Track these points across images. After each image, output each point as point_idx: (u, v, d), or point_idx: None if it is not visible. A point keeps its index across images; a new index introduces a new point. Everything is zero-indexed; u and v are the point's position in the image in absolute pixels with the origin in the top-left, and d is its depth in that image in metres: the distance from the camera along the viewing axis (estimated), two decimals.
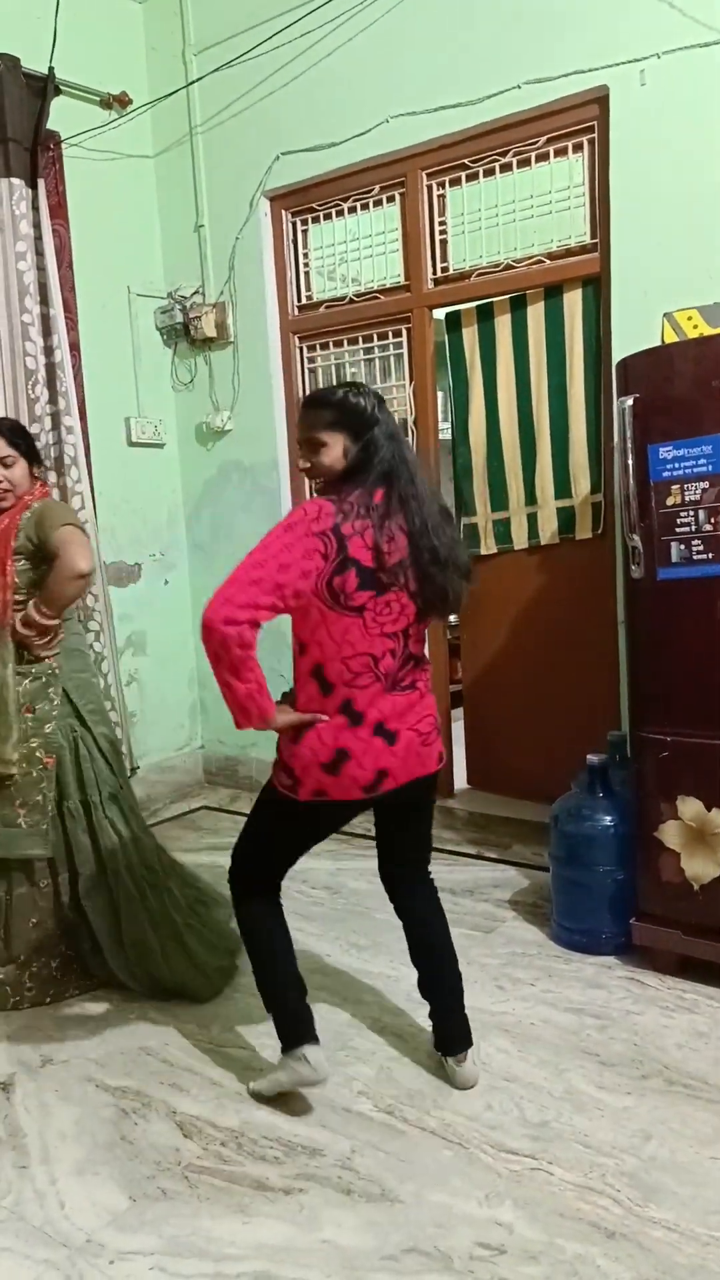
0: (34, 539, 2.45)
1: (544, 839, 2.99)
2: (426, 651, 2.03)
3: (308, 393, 1.88)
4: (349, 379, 3.83)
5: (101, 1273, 1.58)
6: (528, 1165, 1.79)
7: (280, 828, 2.01)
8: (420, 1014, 2.31)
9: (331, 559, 1.76)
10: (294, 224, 3.88)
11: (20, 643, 2.47)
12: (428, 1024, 2.20)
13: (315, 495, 1.92)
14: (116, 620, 3.99)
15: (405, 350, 3.67)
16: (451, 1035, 2.07)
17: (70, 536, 2.40)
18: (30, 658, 2.49)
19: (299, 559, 1.73)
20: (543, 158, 3.25)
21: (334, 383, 3.80)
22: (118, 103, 3.88)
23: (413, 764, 1.93)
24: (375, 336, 3.73)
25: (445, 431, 3.97)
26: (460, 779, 3.81)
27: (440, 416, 3.80)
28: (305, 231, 3.88)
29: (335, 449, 1.85)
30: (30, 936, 2.50)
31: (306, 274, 3.91)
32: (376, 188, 3.61)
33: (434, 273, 3.55)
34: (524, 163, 3.29)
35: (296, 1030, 1.98)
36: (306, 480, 2.24)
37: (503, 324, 3.45)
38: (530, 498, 3.50)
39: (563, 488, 3.42)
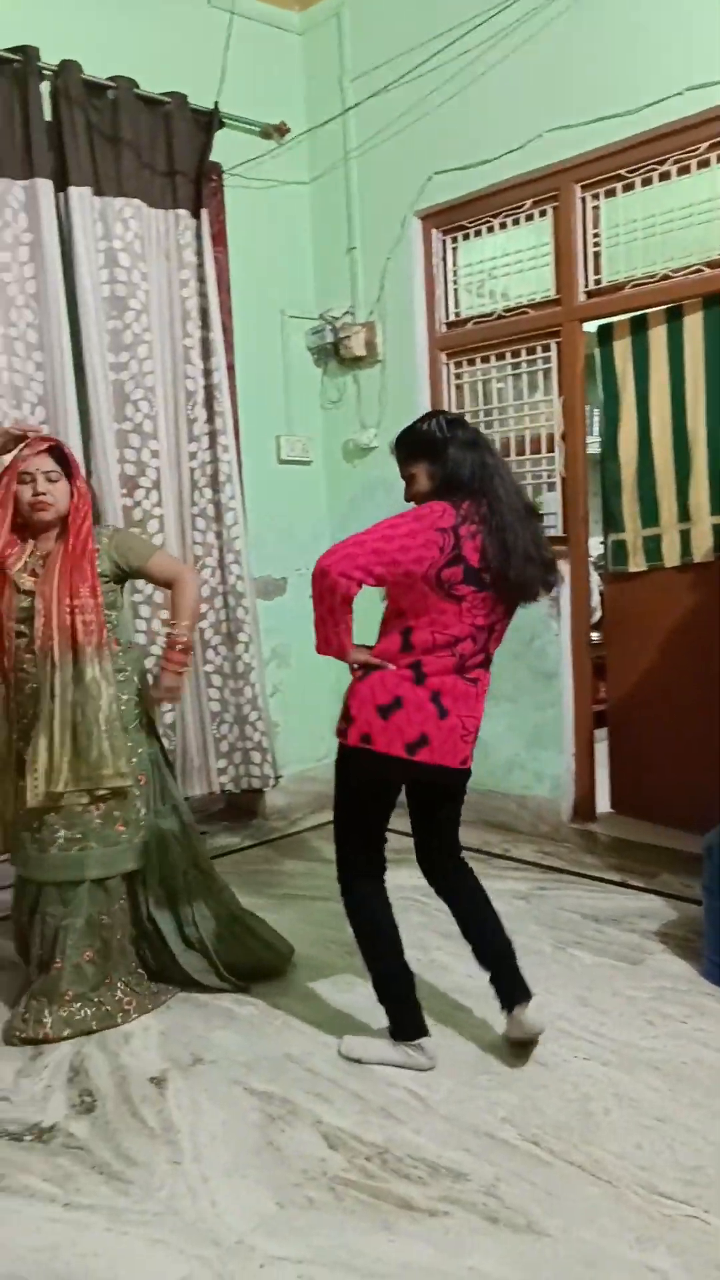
0: (123, 566, 2.54)
1: (694, 869, 2.88)
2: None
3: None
4: (495, 394, 3.83)
5: (251, 1275, 1.63)
6: (682, 1211, 1.73)
7: (346, 792, 2.22)
8: (567, 1042, 2.28)
9: (446, 554, 2.01)
10: (444, 242, 3.91)
11: (174, 679, 2.55)
12: (574, 1052, 2.16)
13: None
14: (263, 633, 4.11)
15: (554, 364, 3.63)
16: (513, 989, 2.23)
17: (172, 561, 2.67)
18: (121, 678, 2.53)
19: (419, 546, 1.99)
20: (703, 164, 3.16)
21: (469, 399, 3.81)
22: (277, 132, 4.01)
23: (448, 749, 2.12)
24: (524, 351, 3.70)
25: (593, 445, 3.91)
26: (603, 802, 3.72)
27: (588, 430, 3.74)
28: (455, 249, 3.90)
29: (421, 477, 2.14)
30: (127, 950, 2.59)
31: (455, 291, 3.93)
32: (528, 202, 3.59)
33: (586, 285, 3.50)
34: (683, 170, 3.21)
35: (416, 1021, 2.20)
36: None
37: (657, 336, 3.36)
38: (683, 514, 3.39)
39: (719, 504, 3.30)
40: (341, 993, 2.60)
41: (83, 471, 2.61)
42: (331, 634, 2.10)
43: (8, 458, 2.50)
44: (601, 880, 3.28)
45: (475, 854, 3.55)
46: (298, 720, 4.30)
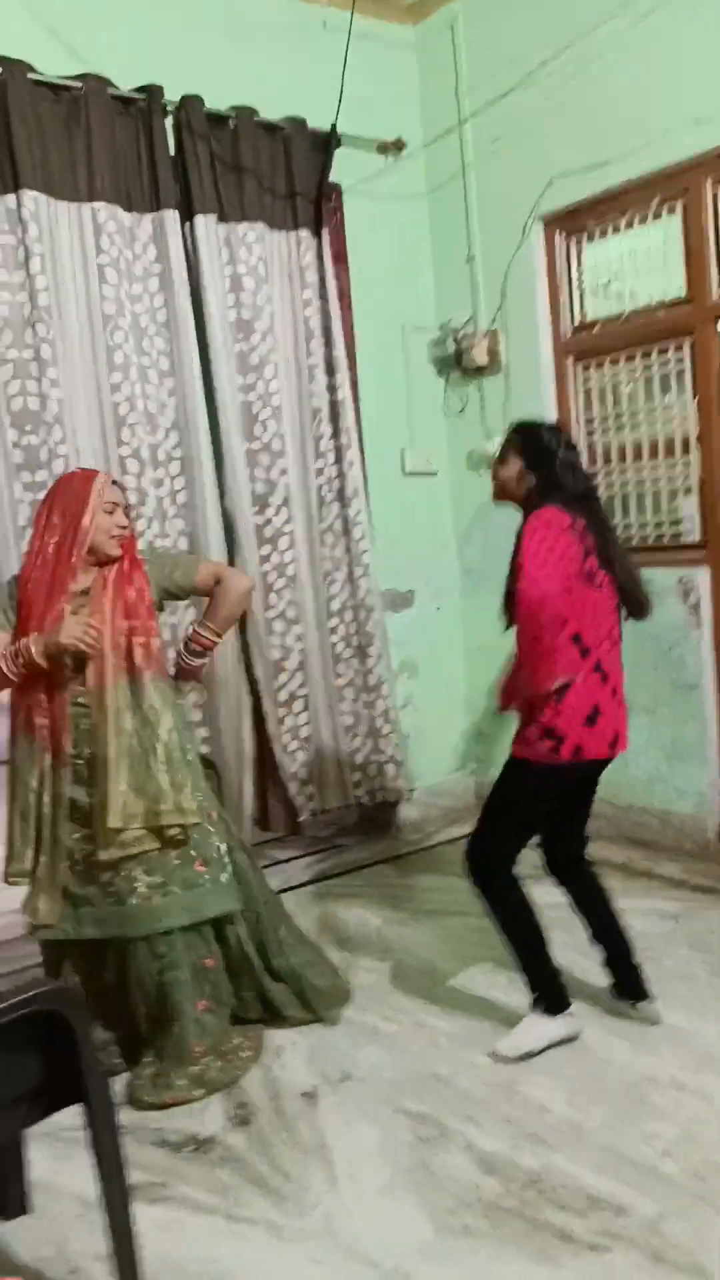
0: (170, 586, 2.46)
1: None
2: None
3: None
4: (625, 397, 3.74)
5: None
6: None
7: (534, 804, 2.36)
8: None
9: (579, 546, 2.18)
10: (567, 245, 3.84)
11: (191, 675, 2.53)
12: None
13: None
14: (391, 646, 4.13)
15: (687, 364, 3.51)
16: (639, 982, 2.45)
17: (215, 565, 2.60)
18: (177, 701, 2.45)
19: (565, 546, 2.15)
20: None
21: (597, 404, 3.74)
22: (394, 148, 4.03)
23: (625, 733, 2.38)
24: (655, 353, 3.60)
25: None
26: None
27: None
28: (579, 251, 3.82)
29: (512, 467, 2.31)
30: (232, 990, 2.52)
31: (580, 294, 3.85)
32: (656, 200, 3.48)
33: None
34: None
35: (564, 991, 2.38)
36: None
37: None
38: None
39: None
40: (484, 1011, 2.59)
41: None
42: (553, 661, 2.17)
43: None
44: None
45: (617, 870, 3.47)
46: (429, 733, 4.31)
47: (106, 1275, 1.69)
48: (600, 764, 2.36)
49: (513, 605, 2.22)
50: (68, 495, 2.35)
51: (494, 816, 2.38)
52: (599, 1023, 2.46)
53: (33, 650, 2.23)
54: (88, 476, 2.39)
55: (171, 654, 2.71)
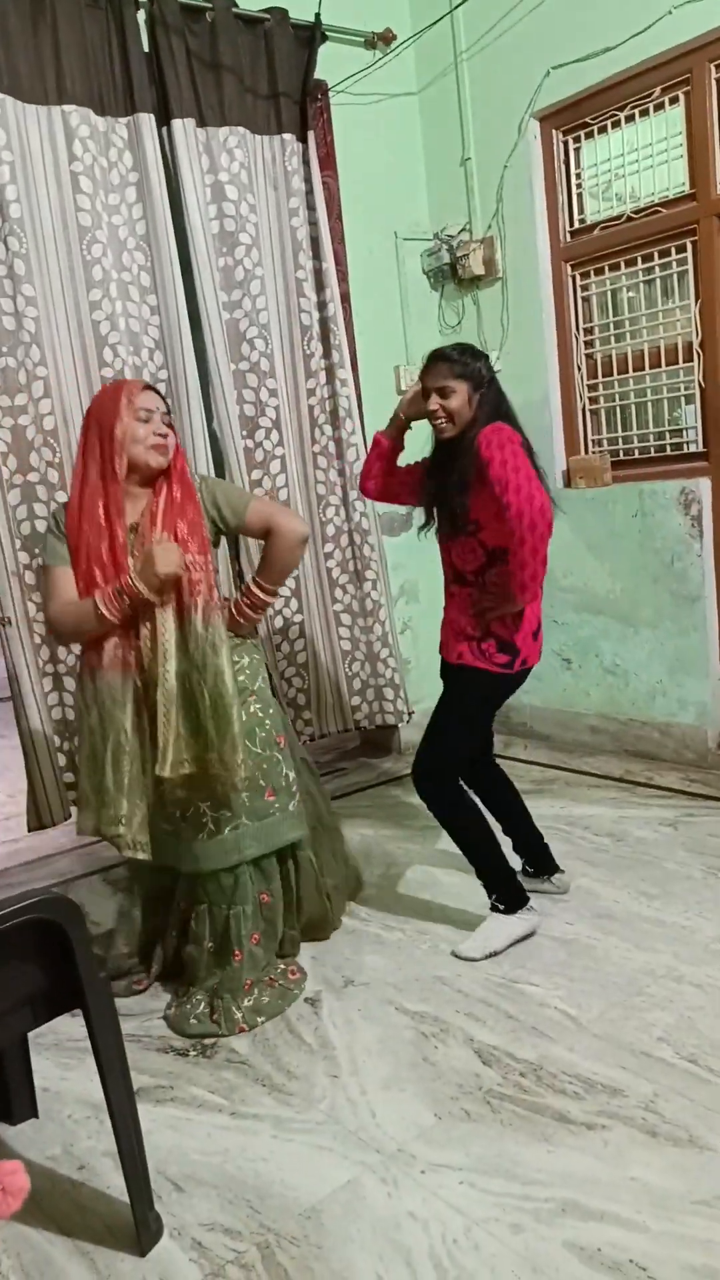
0: (221, 523, 2.28)
1: None
2: None
3: (434, 351, 2.35)
4: (625, 304, 3.63)
5: (414, 1180, 1.67)
6: None
7: (485, 710, 2.49)
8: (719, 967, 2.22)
9: (529, 460, 2.22)
10: (565, 143, 3.69)
11: (239, 628, 2.32)
12: None
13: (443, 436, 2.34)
14: (390, 570, 4.09)
15: (690, 266, 3.39)
16: (547, 858, 2.67)
17: (272, 506, 2.31)
18: (237, 638, 2.33)
19: (526, 462, 2.19)
20: None
21: (596, 313, 3.63)
22: (382, 41, 3.86)
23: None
24: (656, 255, 3.48)
25: None
26: None
27: None
28: (578, 150, 3.68)
29: (460, 395, 2.27)
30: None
31: (579, 196, 3.72)
32: (657, 90, 3.34)
33: None
34: None
35: (522, 889, 2.46)
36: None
37: None
38: None
39: None
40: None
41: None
42: (543, 574, 2.22)
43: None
44: None
45: (617, 784, 3.48)
46: (429, 656, 4.27)
47: (114, 1170, 1.73)
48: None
49: (461, 521, 2.29)
50: (100, 409, 2.17)
51: (446, 726, 2.41)
52: (596, 924, 2.48)
53: (140, 588, 2.08)
54: (118, 385, 2.19)
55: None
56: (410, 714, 4.08)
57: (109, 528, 2.13)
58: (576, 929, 2.46)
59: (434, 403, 2.29)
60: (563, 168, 3.71)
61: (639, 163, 3.49)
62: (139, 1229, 1.59)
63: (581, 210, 3.73)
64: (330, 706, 3.98)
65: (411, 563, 4.18)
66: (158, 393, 2.22)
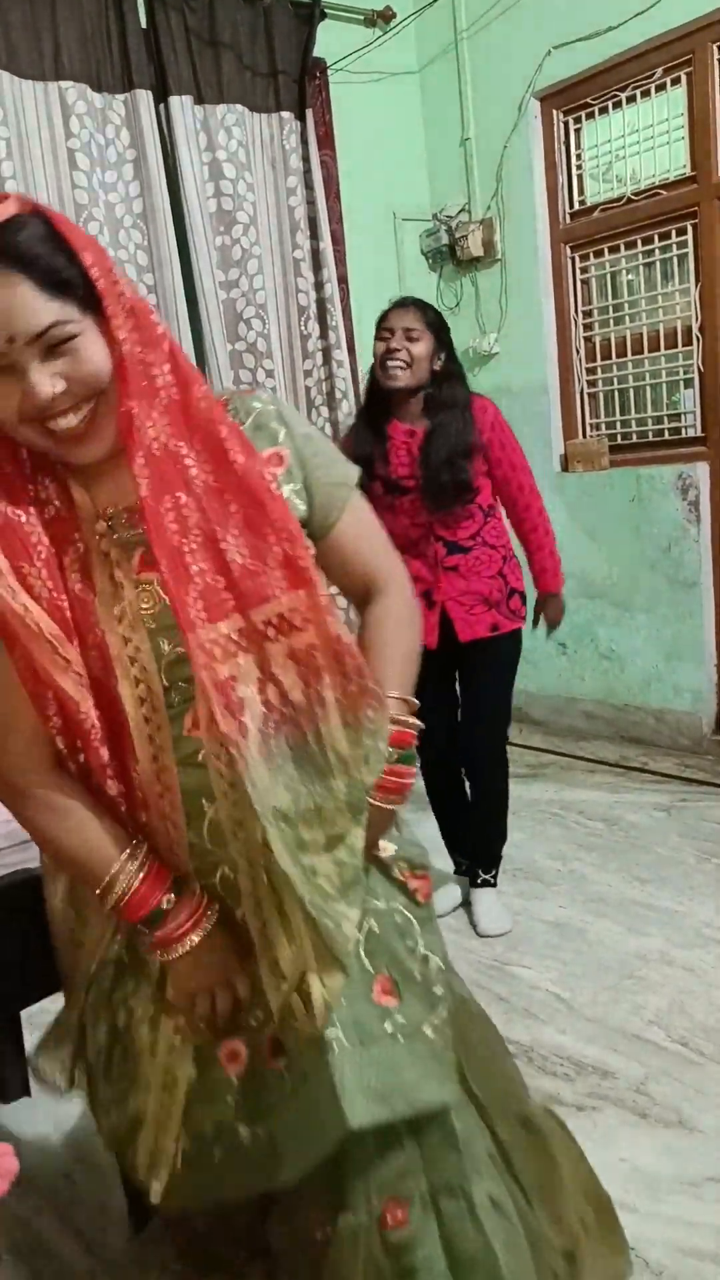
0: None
1: None
2: None
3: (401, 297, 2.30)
4: (625, 287, 3.61)
5: None
6: None
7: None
8: (714, 949, 2.23)
9: None
10: (565, 124, 3.65)
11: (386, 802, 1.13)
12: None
13: (393, 391, 2.23)
14: None
15: (690, 249, 3.37)
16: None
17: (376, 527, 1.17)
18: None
19: None
20: None
21: (596, 295, 3.60)
22: (381, 18, 3.80)
23: None
24: (656, 238, 3.45)
25: None
26: None
27: None
28: (578, 130, 3.64)
29: (427, 345, 2.18)
30: None
31: (579, 177, 3.68)
32: (659, 71, 3.30)
33: None
34: None
35: None
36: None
37: None
38: None
39: None
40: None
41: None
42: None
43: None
44: None
45: (612, 769, 3.49)
46: None
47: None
48: None
49: (466, 489, 2.23)
50: None
51: (498, 702, 2.45)
52: (589, 908, 2.49)
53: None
54: None
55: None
56: None
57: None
58: (569, 913, 2.47)
59: (398, 340, 2.17)
60: (563, 149, 3.68)
61: (640, 144, 3.45)
62: (131, 1206, 1.60)
63: (582, 192, 3.70)
64: None
65: None
66: None
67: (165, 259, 3.31)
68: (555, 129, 3.66)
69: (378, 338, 2.23)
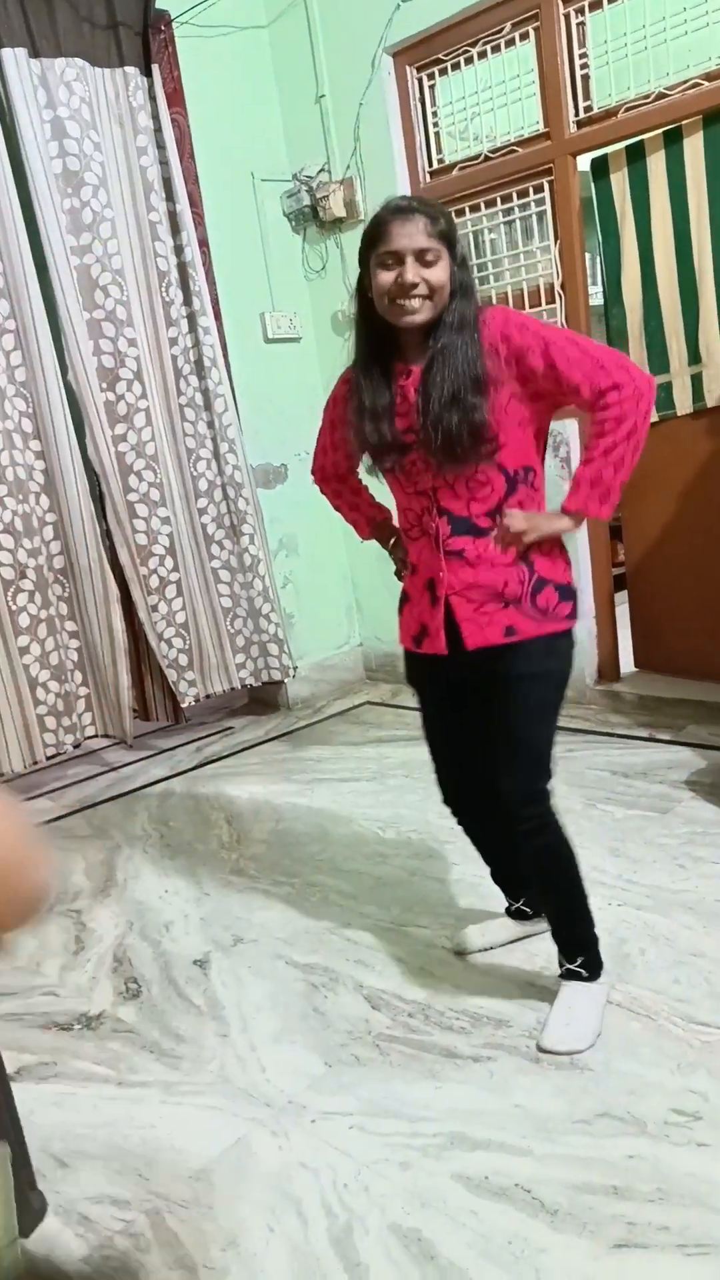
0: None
1: None
2: None
3: (397, 199, 1.64)
4: (488, 245, 3.61)
5: (304, 1130, 1.67)
6: None
7: (564, 689, 1.77)
8: (601, 891, 2.27)
9: None
10: (419, 80, 3.61)
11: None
12: (609, 900, 2.19)
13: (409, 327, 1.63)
14: (267, 523, 4.01)
15: (548, 207, 3.39)
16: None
17: None
18: None
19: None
20: None
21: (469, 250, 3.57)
22: None
23: None
24: (515, 196, 3.46)
25: (596, 297, 3.70)
26: (627, 662, 3.67)
27: (590, 281, 3.52)
28: (433, 87, 3.61)
29: (444, 267, 1.60)
30: None
31: (436, 135, 3.66)
32: (507, 25, 3.29)
33: (576, 114, 3.23)
34: None
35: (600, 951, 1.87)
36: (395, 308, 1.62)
37: (656, 164, 3.12)
38: (694, 357, 3.22)
39: None
40: (375, 865, 2.62)
41: None
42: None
43: None
44: (628, 737, 3.26)
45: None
46: (311, 610, 4.25)
47: None
48: None
49: (481, 437, 1.61)
50: None
51: (527, 734, 1.75)
52: (480, 861, 2.51)
53: None
54: None
55: None
56: (295, 669, 4.04)
57: None
58: (462, 869, 2.49)
59: (412, 273, 1.57)
60: (418, 106, 3.64)
61: (494, 101, 3.45)
62: (20, 1211, 1.54)
63: (440, 150, 3.67)
64: (214, 666, 3.91)
65: (289, 515, 4.11)
66: None
67: (9, 222, 3.15)
68: (409, 85, 3.62)
69: (377, 264, 1.60)
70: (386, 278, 1.59)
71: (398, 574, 1.91)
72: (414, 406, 1.66)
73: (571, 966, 1.85)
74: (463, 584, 1.70)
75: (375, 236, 1.61)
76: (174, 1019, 2.06)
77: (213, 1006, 2.09)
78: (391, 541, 1.95)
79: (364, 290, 1.67)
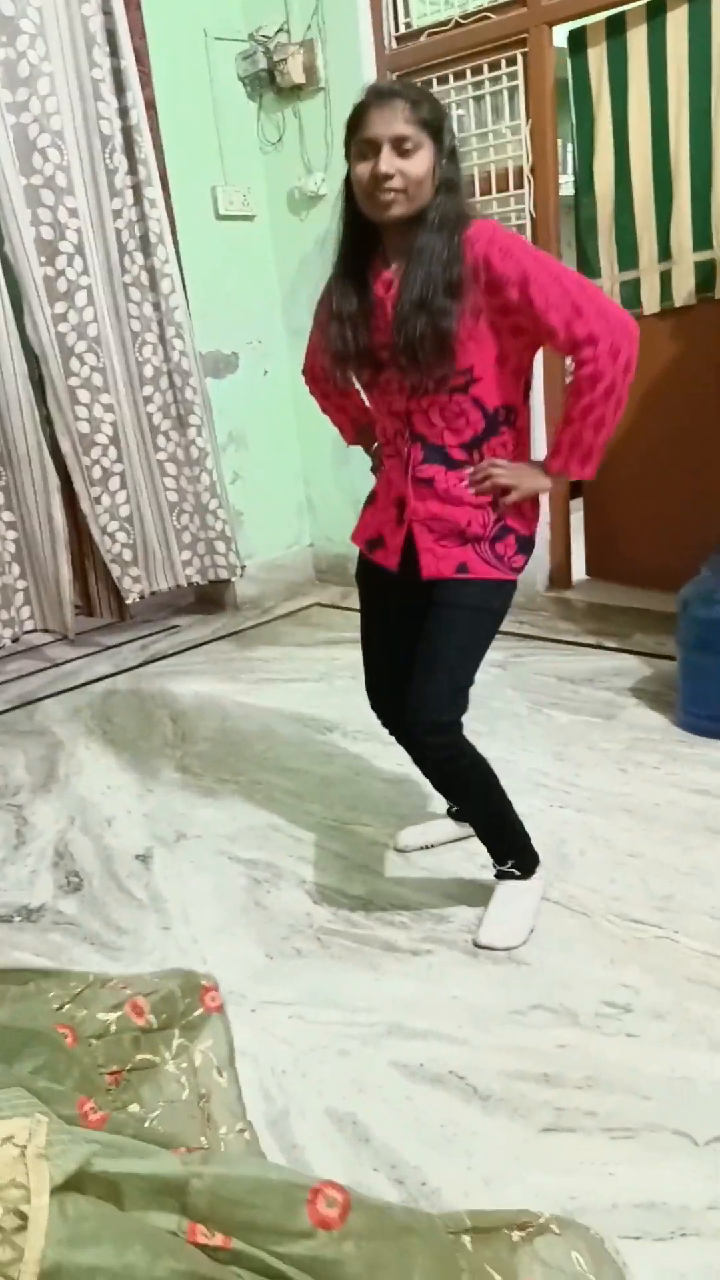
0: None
1: (667, 627, 2.86)
2: None
3: (380, 82, 1.57)
4: (455, 122, 3.40)
5: (244, 1020, 1.68)
6: (653, 934, 1.79)
7: (495, 631, 1.76)
8: (543, 794, 2.31)
9: None
10: None
11: None
12: (551, 802, 2.22)
13: (387, 222, 1.53)
14: (216, 415, 3.87)
15: (521, 81, 3.19)
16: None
17: None
18: None
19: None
20: None
21: None
22: None
23: None
24: (486, 68, 3.25)
25: (566, 186, 3.54)
26: (579, 570, 3.66)
27: (561, 169, 3.36)
28: None
29: (425, 159, 1.47)
30: None
31: None
32: None
33: None
34: None
35: (532, 845, 1.90)
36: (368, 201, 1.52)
37: (636, 39, 2.95)
38: (664, 253, 3.11)
39: (703, 238, 3.02)
40: (322, 763, 2.61)
41: None
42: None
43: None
44: (576, 644, 3.27)
45: None
46: (261, 507, 4.14)
47: None
48: None
49: (444, 366, 1.53)
50: None
51: (449, 660, 1.71)
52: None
53: None
54: None
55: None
56: (243, 568, 3.96)
57: None
58: (406, 769, 2.49)
59: (387, 161, 1.45)
60: None
61: None
62: None
63: (408, 14, 3.42)
64: (159, 562, 3.81)
65: (239, 408, 3.96)
66: None
67: None
68: None
69: (356, 153, 1.51)
70: (363, 168, 1.49)
71: (374, 470, 1.86)
72: (391, 323, 1.56)
73: (503, 868, 1.88)
74: (428, 514, 1.66)
75: (354, 123, 1.51)
76: (115, 911, 2.06)
77: (155, 900, 2.09)
78: (375, 445, 1.88)
79: (350, 182, 1.56)
